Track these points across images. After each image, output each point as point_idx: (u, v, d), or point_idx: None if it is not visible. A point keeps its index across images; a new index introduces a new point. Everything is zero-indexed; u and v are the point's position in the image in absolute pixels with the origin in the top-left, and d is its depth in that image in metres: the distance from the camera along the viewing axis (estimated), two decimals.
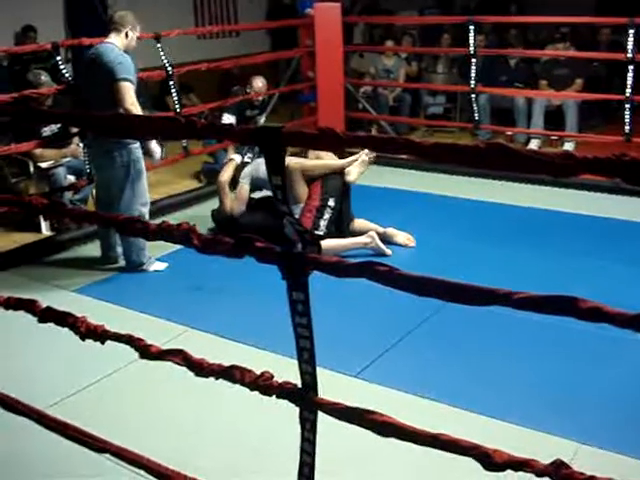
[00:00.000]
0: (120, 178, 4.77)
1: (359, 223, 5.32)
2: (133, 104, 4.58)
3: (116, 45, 4.73)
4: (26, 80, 5.98)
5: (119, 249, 5.02)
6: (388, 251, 4.99)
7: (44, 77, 5.84)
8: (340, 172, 5.25)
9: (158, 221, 1.87)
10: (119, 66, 4.58)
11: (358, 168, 5.30)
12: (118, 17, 4.84)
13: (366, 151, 5.32)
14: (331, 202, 5.07)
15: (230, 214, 5.57)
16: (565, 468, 1.40)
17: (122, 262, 5.03)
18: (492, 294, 1.34)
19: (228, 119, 6.99)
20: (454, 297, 1.39)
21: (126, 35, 4.79)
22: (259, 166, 5.44)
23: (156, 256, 5.00)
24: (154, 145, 4.99)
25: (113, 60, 4.60)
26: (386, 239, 5.22)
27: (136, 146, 4.77)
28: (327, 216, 5.05)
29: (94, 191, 5.94)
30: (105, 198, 4.95)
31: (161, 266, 4.99)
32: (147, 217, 4.90)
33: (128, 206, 4.77)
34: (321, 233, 4.99)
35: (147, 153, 5.07)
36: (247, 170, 5.60)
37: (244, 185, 5.53)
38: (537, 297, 1.29)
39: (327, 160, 5.37)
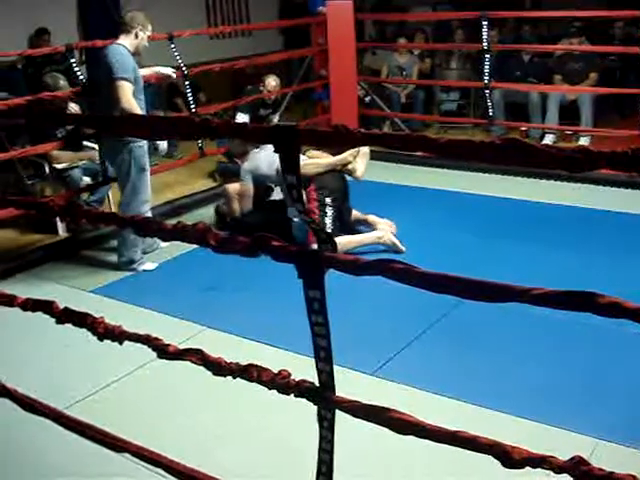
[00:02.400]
0: (122, 175, 4.88)
1: (354, 214, 5.34)
2: (129, 102, 4.63)
3: (125, 46, 4.80)
4: (42, 83, 6.01)
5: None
6: (402, 247, 4.96)
7: (62, 81, 5.89)
8: (338, 169, 5.26)
9: (174, 221, 1.88)
10: (117, 65, 4.65)
11: (362, 162, 5.30)
12: (128, 18, 4.93)
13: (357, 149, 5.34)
14: (328, 200, 5.05)
15: (239, 216, 5.60)
16: (584, 464, 1.39)
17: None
18: (509, 290, 1.34)
19: (242, 118, 7.01)
20: (471, 294, 1.39)
21: (136, 35, 4.85)
22: (259, 162, 5.43)
23: (173, 255, 5.02)
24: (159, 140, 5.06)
25: (113, 59, 4.67)
26: (369, 224, 5.25)
27: (140, 144, 4.81)
28: (330, 213, 5.04)
29: (110, 192, 6.00)
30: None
31: (151, 266, 5.03)
32: (148, 214, 4.96)
33: (128, 202, 4.87)
34: (329, 231, 4.99)
35: (155, 148, 5.22)
36: (246, 167, 5.57)
37: (247, 184, 5.53)
38: (555, 293, 1.28)
39: (324, 159, 5.37)
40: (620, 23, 8.96)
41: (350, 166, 5.31)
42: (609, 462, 1.51)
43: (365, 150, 5.36)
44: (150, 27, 4.95)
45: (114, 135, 4.64)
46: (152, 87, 6.15)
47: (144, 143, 4.83)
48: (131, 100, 4.65)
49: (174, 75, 5.84)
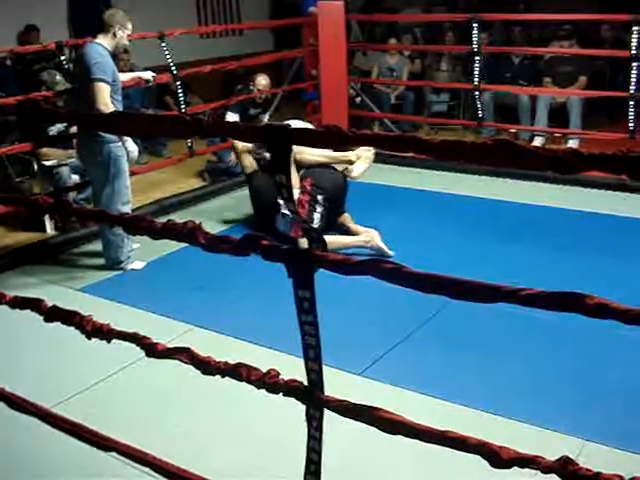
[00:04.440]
0: (100, 175, 4.79)
1: (344, 217, 5.33)
2: (105, 104, 4.58)
3: (102, 45, 4.74)
4: (36, 79, 6.01)
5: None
6: (390, 252, 4.91)
7: (59, 77, 5.87)
8: (341, 170, 5.27)
9: (164, 219, 1.88)
10: (95, 66, 4.59)
11: (362, 164, 5.31)
12: (107, 17, 4.85)
13: (369, 148, 5.33)
14: (320, 198, 5.05)
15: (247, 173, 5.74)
16: (572, 465, 1.40)
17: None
18: (498, 291, 1.34)
19: (232, 117, 6.99)
20: (460, 294, 1.39)
21: (114, 35, 4.78)
22: None
23: (160, 254, 5.01)
24: (130, 144, 4.89)
25: (89, 59, 4.61)
26: (351, 234, 5.22)
27: (117, 145, 4.75)
28: (319, 210, 5.05)
29: None
30: (95, 196, 5.01)
31: (139, 265, 5.01)
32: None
33: (108, 204, 4.74)
34: (315, 227, 4.98)
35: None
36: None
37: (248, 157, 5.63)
38: (543, 293, 1.29)
39: (327, 151, 5.37)
40: (608, 26, 9.00)
41: (349, 165, 5.32)
42: (597, 463, 1.52)
43: (370, 155, 5.38)
44: (130, 26, 4.88)
45: (92, 136, 4.60)
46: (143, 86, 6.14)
47: (120, 143, 4.76)
48: (108, 102, 4.58)
49: (153, 80, 5.80)
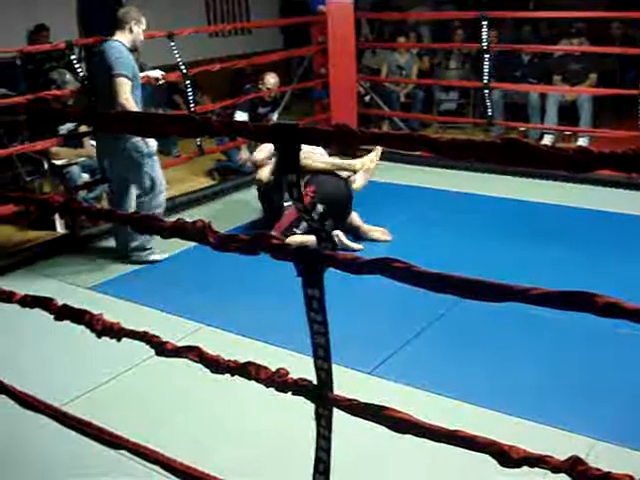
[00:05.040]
0: (136, 170, 4.89)
1: (352, 218, 5.31)
2: (127, 99, 4.65)
3: (121, 42, 4.83)
4: (46, 79, 6.03)
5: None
6: (358, 246, 5.01)
7: (68, 76, 5.90)
8: (344, 178, 5.27)
9: (173, 218, 1.88)
10: (116, 61, 4.68)
11: (363, 176, 5.32)
12: (121, 14, 4.96)
13: (373, 157, 5.34)
14: (319, 207, 5.00)
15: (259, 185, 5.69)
16: (581, 464, 1.40)
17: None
18: (509, 290, 1.34)
19: (240, 117, 7.00)
20: (471, 293, 1.39)
21: (130, 30, 4.88)
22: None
23: (169, 253, 5.03)
24: (150, 139, 5.00)
25: (111, 56, 4.71)
26: (362, 235, 5.23)
27: (138, 139, 4.84)
28: (316, 217, 4.98)
29: (108, 190, 6.00)
30: (119, 192, 5.09)
31: (160, 257, 5.06)
32: (164, 204, 5.12)
33: (151, 198, 4.96)
34: (298, 232, 5.01)
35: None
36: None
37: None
38: (554, 293, 1.28)
39: (336, 159, 5.38)
40: (618, 24, 8.96)
41: (352, 176, 5.31)
42: (606, 462, 1.51)
43: (372, 167, 5.38)
44: (144, 21, 4.98)
45: (111, 133, 4.67)
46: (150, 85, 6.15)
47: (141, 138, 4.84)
48: (129, 97, 4.66)
49: (161, 79, 5.84)
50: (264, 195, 5.66)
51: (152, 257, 5.04)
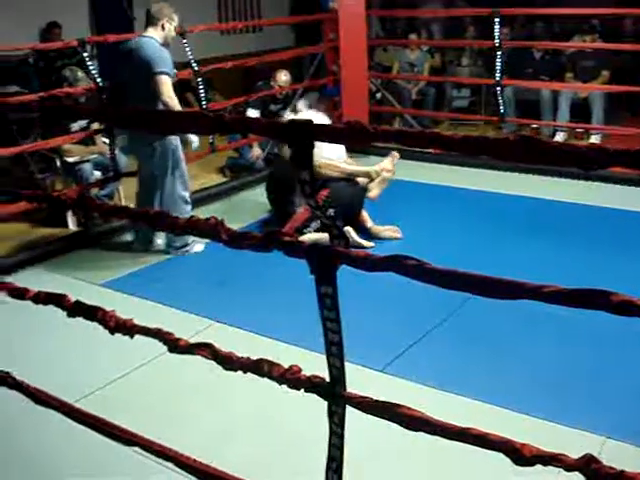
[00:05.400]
0: (162, 166, 4.91)
1: (362, 218, 5.30)
2: (170, 97, 4.68)
3: (154, 38, 4.81)
4: (59, 76, 6.04)
5: (157, 236, 5.16)
6: (369, 243, 5.01)
7: (80, 73, 5.92)
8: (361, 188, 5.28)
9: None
10: (158, 59, 4.68)
11: (378, 186, 5.31)
12: (154, 11, 4.91)
13: (390, 166, 5.31)
14: (330, 211, 4.89)
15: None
16: (595, 463, 1.39)
17: (161, 247, 5.20)
18: (521, 287, 1.34)
19: (252, 114, 7.01)
20: (483, 291, 1.38)
21: (162, 27, 4.86)
22: None
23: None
24: (191, 134, 5.10)
25: (152, 54, 4.70)
26: (372, 234, 5.21)
27: (174, 136, 4.87)
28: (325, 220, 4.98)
29: (120, 187, 6.03)
30: (147, 188, 5.08)
31: (201, 247, 5.10)
32: (189, 200, 5.12)
33: (171, 192, 4.96)
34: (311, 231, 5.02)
35: (185, 142, 5.25)
36: None
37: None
38: (567, 290, 1.28)
39: (353, 166, 5.37)
40: (630, 20, 8.91)
41: (369, 184, 5.30)
42: (618, 460, 1.51)
43: (388, 176, 5.37)
44: (176, 18, 4.96)
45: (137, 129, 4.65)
46: None
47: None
48: (172, 94, 4.69)
49: (174, 76, 5.84)
50: (276, 197, 5.60)
51: (194, 250, 5.09)
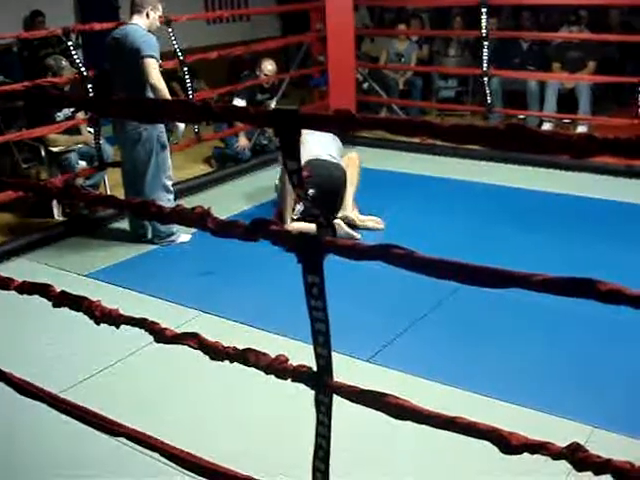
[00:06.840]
0: (146, 152, 4.93)
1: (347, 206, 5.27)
2: (159, 80, 4.72)
3: (139, 26, 4.85)
4: (43, 65, 6.00)
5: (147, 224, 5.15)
6: (356, 235, 4.97)
7: (64, 62, 5.88)
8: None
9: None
10: (144, 44, 4.72)
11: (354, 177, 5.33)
12: None
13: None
14: (311, 191, 4.83)
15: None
16: (582, 451, 1.40)
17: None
18: (511, 276, 1.33)
19: (239, 103, 6.97)
20: (472, 279, 1.38)
21: (147, 15, 4.90)
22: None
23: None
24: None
25: (139, 38, 4.74)
26: (355, 225, 5.18)
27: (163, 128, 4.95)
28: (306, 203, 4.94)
29: (106, 177, 5.99)
30: (132, 174, 5.09)
31: (187, 238, 5.12)
32: (171, 189, 5.15)
33: (154, 178, 4.98)
34: (294, 217, 5.02)
35: (171, 128, 5.34)
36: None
37: None
38: (556, 279, 1.28)
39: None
40: (617, 11, 8.93)
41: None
42: (604, 449, 1.51)
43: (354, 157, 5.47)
44: (161, 7, 5.01)
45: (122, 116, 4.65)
46: None
47: None
48: (160, 77, 4.74)
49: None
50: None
51: (179, 240, 5.11)
